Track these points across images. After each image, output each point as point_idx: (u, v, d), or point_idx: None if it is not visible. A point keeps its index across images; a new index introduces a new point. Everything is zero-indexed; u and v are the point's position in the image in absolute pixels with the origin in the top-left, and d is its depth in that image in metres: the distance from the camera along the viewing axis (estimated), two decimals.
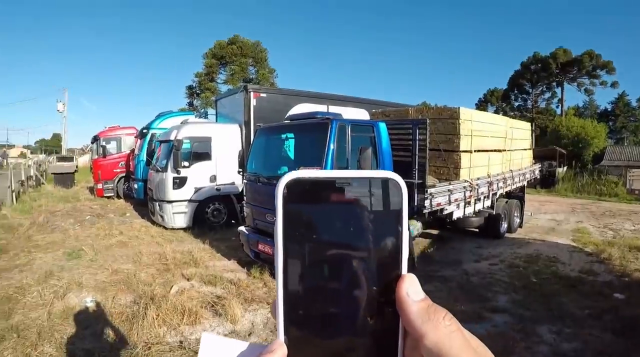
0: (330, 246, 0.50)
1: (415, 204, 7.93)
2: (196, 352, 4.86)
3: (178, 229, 11.82)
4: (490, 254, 9.83)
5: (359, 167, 6.52)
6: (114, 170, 18.45)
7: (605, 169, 26.32)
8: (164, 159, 12.02)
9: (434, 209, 8.21)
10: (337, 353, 0.50)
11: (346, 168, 6.68)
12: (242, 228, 8.40)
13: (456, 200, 8.97)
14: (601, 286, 7.53)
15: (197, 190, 11.82)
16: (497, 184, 10.74)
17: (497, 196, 11.08)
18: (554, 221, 14.75)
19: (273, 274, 7.70)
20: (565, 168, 28.76)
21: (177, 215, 11.76)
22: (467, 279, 7.99)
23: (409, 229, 7.78)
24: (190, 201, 11.79)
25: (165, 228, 11.93)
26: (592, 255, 9.79)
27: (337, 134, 6.78)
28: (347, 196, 0.50)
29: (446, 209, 8.81)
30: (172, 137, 11.60)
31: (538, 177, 15.72)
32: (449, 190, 8.63)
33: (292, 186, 0.49)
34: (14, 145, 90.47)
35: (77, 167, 25.99)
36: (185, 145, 11.54)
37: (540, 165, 16.10)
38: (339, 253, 0.50)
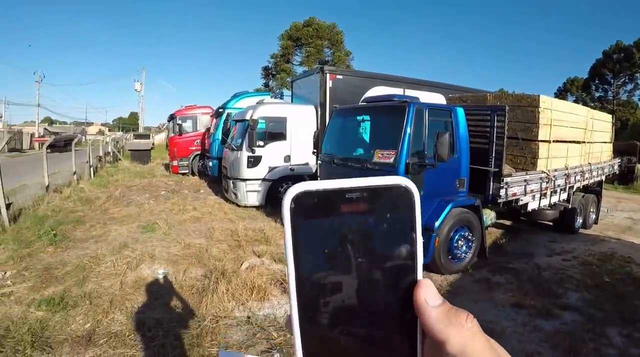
0: (343, 258, 0.49)
1: (490, 193, 7.86)
2: (263, 328, 4.94)
3: (251, 207, 12.07)
4: (563, 249, 9.52)
5: (436, 152, 6.51)
6: (190, 148, 19.02)
7: None
8: (239, 138, 12.26)
9: (509, 199, 8.11)
10: None
11: (422, 152, 6.71)
12: None
13: (532, 191, 8.77)
14: None
15: (271, 169, 11.99)
16: (575, 177, 10.38)
17: (574, 190, 10.67)
18: (630, 220, 13.95)
19: None
20: None
21: (251, 193, 12.00)
22: (539, 273, 7.78)
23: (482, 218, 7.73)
24: (263, 179, 11.99)
25: (238, 205, 12.20)
26: None
27: (414, 118, 6.75)
28: (358, 206, 0.49)
29: (521, 200, 8.62)
30: (247, 117, 11.80)
31: (617, 172, 15.06)
32: (525, 180, 8.47)
33: (299, 199, 0.48)
34: (92, 123, 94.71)
35: (153, 144, 26.96)
36: (261, 125, 11.68)
37: (619, 160, 15.35)
38: (353, 265, 0.49)
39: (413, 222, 0.51)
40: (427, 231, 6.81)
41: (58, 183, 13.89)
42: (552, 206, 10.13)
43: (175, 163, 19.14)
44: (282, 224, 0.48)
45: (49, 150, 14.44)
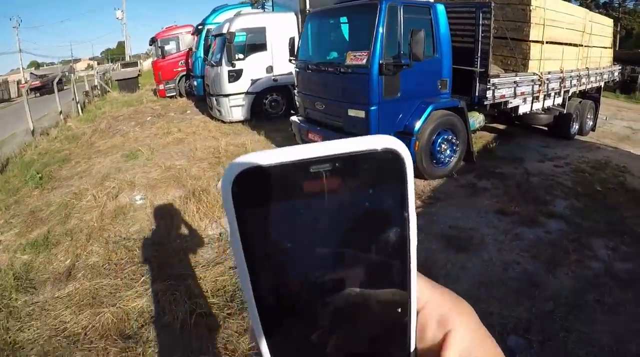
0: (312, 253, 0.38)
1: (477, 94, 7.51)
2: None
3: (236, 122, 11.85)
4: (556, 155, 9.20)
5: (410, 51, 6.07)
6: (174, 70, 18.42)
7: None
8: (218, 53, 11.81)
9: (496, 101, 7.74)
10: None
11: (398, 52, 6.27)
12: (294, 118, 8.25)
13: (522, 93, 8.39)
14: None
15: (253, 82, 11.65)
16: (571, 81, 9.94)
17: (570, 94, 10.30)
18: (630, 129, 13.51)
19: None
20: None
21: (235, 108, 11.74)
22: (527, 178, 7.51)
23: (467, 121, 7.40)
24: (247, 93, 11.69)
25: (224, 122, 11.99)
26: None
27: (387, 16, 6.23)
28: (328, 183, 0.36)
29: (510, 103, 8.27)
30: (225, 30, 11.30)
31: (617, 79, 14.61)
32: (514, 82, 8.06)
33: (243, 180, 0.35)
34: (80, 59, 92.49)
35: (140, 71, 26.30)
36: (240, 38, 11.23)
37: (620, 67, 14.77)
38: (326, 262, 0.38)
39: (405, 199, 0.39)
40: (407, 134, 6.54)
41: (45, 126, 13.71)
42: (546, 111, 9.82)
43: (161, 87, 18.63)
44: (226, 216, 0.36)
45: (37, 94, 14.04)
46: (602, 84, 12.27)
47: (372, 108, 6.22)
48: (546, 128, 10.75)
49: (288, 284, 0.38)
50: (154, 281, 4.40)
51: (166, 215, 5.98)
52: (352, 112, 6.48)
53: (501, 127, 11.06)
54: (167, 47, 18.45)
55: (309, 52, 7.82)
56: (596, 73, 11.47)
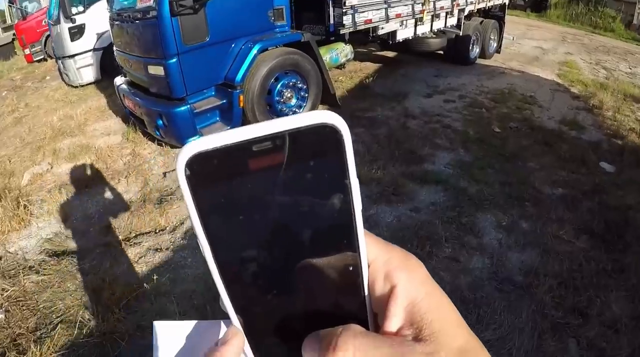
0: (263, 225, 0.40)
1: (332, 22, 6.13)
2: (4, 274, 3.84)
3: (87, 84, 10.23)
4: (449, 85, 7.98)
5: None
6: (38, 31, 16.22)
7: (604, 1, 23.36)
8: (56, 8, 9.96)
9: (359, 27, 6.39)
10: (299, 326, 0.44)
11: None
12: (117, 79, 6.52)
13: (399, 15, 7.06)
14: (586, 148, 5.44)
15: (99, 36, 9.90)
16: None
17: (466, 14, 9.07)
18: (539, 49, 12.60)
19: (145, 134, 6.12)
20: None
21: (83, 69, 10.07)
22: (404, 123, 6.15)
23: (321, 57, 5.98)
24: (94, 49, 10.03)
25: (75, 87, 10.30)
26: (579, 98, 7.68)
27: None
28: (270, 159, 0.38)
29: (382, 28, 6.93)
30: None
31: None
32: (385, 2, 6.71)
33: (194, 163, 0.37)
34: None
35: (14, 35, 23.90)
36: None
37: None
38: (275, 231, 0.40)
39: (344, 167, 0.41)
40: (228, 86, 5.09)
41: None
42: (437, 34, 8.63)
43: (27, 51, 16.52)
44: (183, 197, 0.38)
45: None
46: (506, 1, 11.06)
47: (171, 61, 4.65)
48: (442, 53, 9.54)
49: (247, 254, 0.40)
50: None
51: None
52: (151, 70, 4.94)
53: (390, 54, 9.66)
54: (28, 7, 16.39)
55: None
56: None
